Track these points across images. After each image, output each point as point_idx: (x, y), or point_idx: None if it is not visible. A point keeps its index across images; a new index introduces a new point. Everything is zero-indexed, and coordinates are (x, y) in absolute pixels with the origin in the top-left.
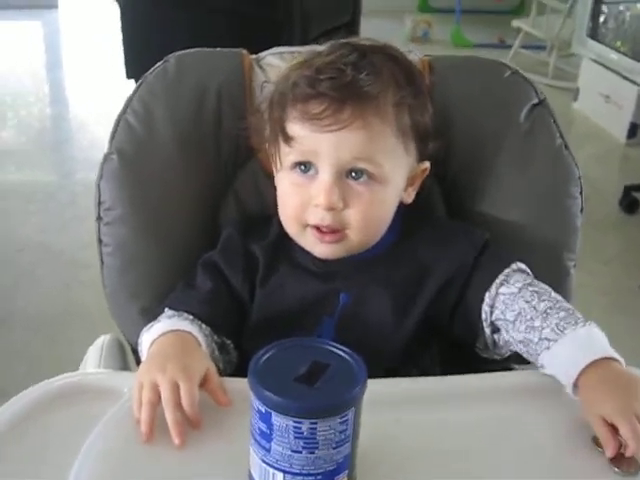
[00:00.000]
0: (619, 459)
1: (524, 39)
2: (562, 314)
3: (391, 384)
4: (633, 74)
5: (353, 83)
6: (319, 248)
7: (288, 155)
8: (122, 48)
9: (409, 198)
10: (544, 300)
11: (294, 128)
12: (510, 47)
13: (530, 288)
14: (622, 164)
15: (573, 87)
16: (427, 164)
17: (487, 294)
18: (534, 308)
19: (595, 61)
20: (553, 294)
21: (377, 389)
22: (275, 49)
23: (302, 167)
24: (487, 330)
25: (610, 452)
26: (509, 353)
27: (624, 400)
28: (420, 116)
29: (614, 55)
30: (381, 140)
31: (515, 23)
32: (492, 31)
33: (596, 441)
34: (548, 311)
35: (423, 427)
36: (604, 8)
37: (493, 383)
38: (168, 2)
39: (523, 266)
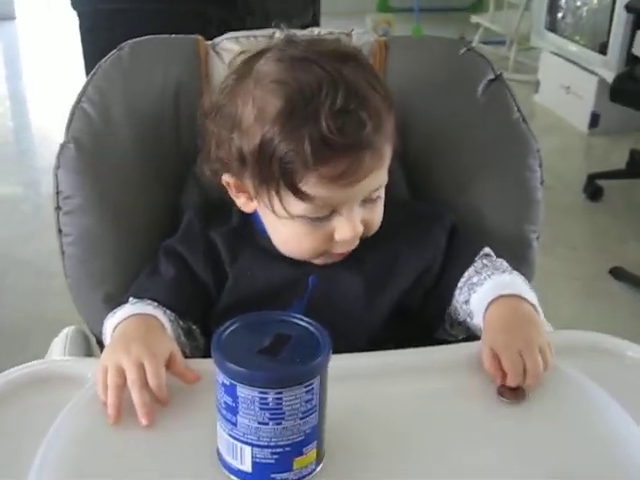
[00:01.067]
0: (506, 389)
1: (484, 35)
2: (496, 271)
3: (360, 358)
4: (592, 65)
5: (364, 135)
6: (330, 261)
7: (302, 209)
8: (82, 57)
9: None
10: (486, 265)
11: (315, 189)
12: (470, 43)
13: (484, 261)
14: (585, 153)
15: (534, 80)
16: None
17: (461, 280)
18: (477, 272)
19: (554, 53)
20: (501, 263)
21: (346, 364)
22: (231, 34)
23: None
24: (450, 313)
25: (499, 382)
26: (461, 334)
27: (513, 335)
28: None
29: (573, 47)
30: (387, 161)
31: (474, 19)
32: (452, 28)
33: (500, 392)
34: (487, 271)
35: (392, 399)
36: (562, 2)
37: (454, 354)
38: (127, 8)
39: (488, 250)
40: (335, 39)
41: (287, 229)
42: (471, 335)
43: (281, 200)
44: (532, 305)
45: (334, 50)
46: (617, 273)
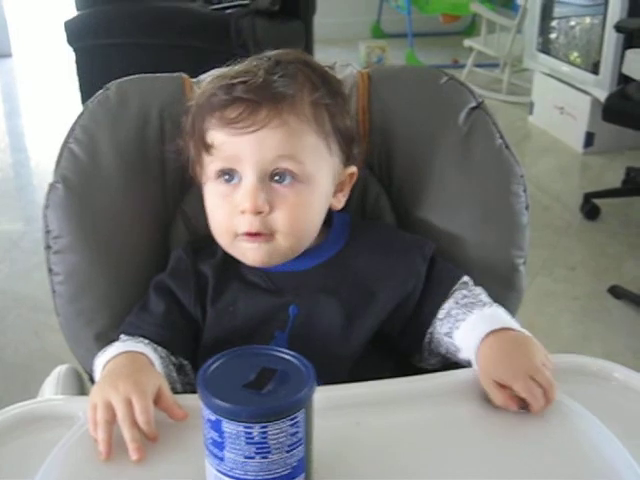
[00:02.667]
0: (518, 400)
1: (477, 58)
2: (477, 303)
3: (350, 388)
4: (585, 85)
5: (267, 85)
6: (251, 255)
7: (210, 165)
8: (79, 92)
9: (339, 204)
10: (466, 296)
11: (214, 136)
12: (464, 67)
13: (464, 292)
14: (581, 173)
15: (527, 101)
16: (354, 168)
17: (440, 312)
18: (457, 303)
19: (547, 74)
20: (480, 295)
21: (336, 394)
22: (214, 71)
23: (226, 176)
24: (427, 340)
25: (515, 408)
26: (438, 364)
27: (516, 361)
28: (340, 117)
29: (565, 67)
30: (301, 137)
31: (467, 43)
32: (445, 52)
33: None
34: (468, 304)
35: (383, 430)
36: (554, 23)
37: (442, 382)
38: (122, 43)
39: (466, 278)
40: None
41: (208, 198)
42: (448, 364)
43: (201, 161)
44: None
45: (290, 53)
46: (616, 292)
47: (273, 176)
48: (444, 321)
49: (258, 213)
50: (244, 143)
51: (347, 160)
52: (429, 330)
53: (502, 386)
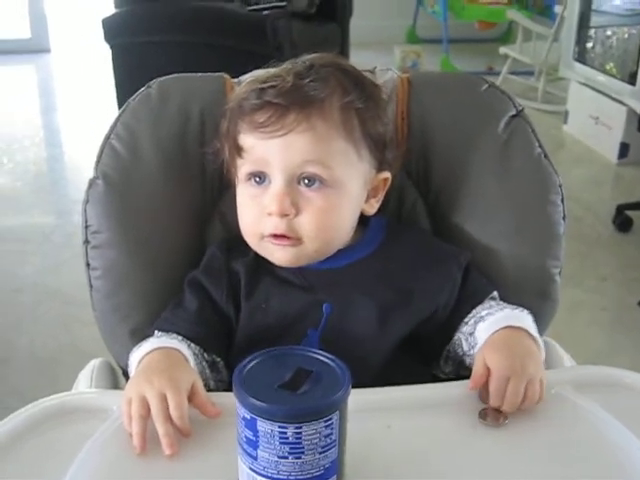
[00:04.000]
0: (487, 412)
1: (512, 65)
2: (508, 306)
3: (382, 392)
4: (621, 95)
5: (296, 89)
6: (278, 255)
7: (241, 167)
8: (115, 88)
9: (371, 209)
10: (498, 304)
11: (244, 139)
12: (499, 74)
13: (492, 302)
14: (614, 184)
15: (562, 110)
16: (387, 174)
17: (468, 316)
18: (486, 308)
19: (583, 84)
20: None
21: (368, 397)
22: (255, 72)
23: (257, 178)
24: (448, 347)
25: (470, 384)
26: (452, 374)
27: (508, 359)
28: (372, 122)
29: (601, 77)
30: (329, 142)
31: (502, 50)
32: (480, 59)
33: (482, 415)
34: (497, 306)
35: (414, 433)
36: (591, 33)
37: None
38: (159, 41)
39: (496, 294)
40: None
41: (239, 198)
42: (461, 376)
43: (235, 164)
44: (536, 342)
45: (325, 57)
46: None
47: (301, 180)
48: (469, 322)
49: (284, 216)
50: (272, 147)
51: (380, 165)
52: (454, 337)
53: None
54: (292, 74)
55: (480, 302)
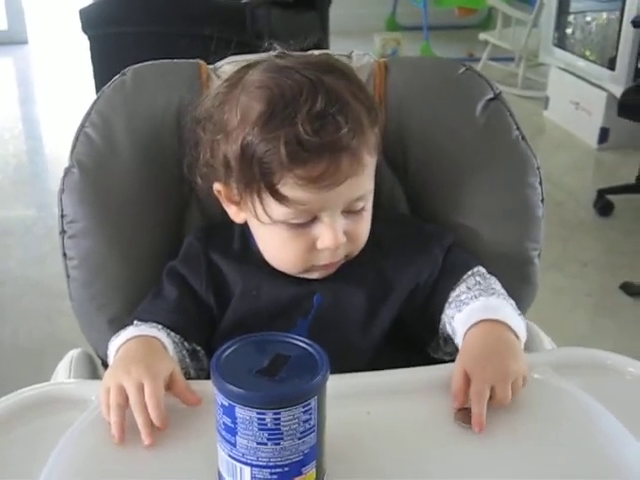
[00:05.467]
0: (465, 413)
1: (492, 51)
2: (487, 290)
3: (361, 377)
4: (601, 80)
5: (335, 130)
6: (319, 274)
7: (283, 214)
8: (93, 79)
9: None
10: (479, 283)
11: (294, 192)
12: (479, 60)
13: (477, 278)
14: (595, 169)
15: (543, 96)
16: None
17: (451, 295)
18: (468, 288)
19: (563, 69)
20: (494, 284)
21: (347, 383)
22: (231, 58)
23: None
24: (442, 325)
25: (456, 404)
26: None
27: (488, 364)
28: (382, 125)
29: (581, 62)
30: (369, 171)
31: (482, 36)
32: (460, 45)
33: (458, 417)
34: (477, 290)
35: (394, 419)
36: (571, 18)
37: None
38: (137, 32)
39: (482, 270)
40: (325, 54)
41: (271, 236)
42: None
43: (262, 204)
44: (515, 333)
45: (320, 61)
46: (628, 288)
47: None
48: (452, 305)
49: (339, 247)
50: (330, 195)
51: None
52: (442, 315)
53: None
54: (329, 117)
55: (460, 277)
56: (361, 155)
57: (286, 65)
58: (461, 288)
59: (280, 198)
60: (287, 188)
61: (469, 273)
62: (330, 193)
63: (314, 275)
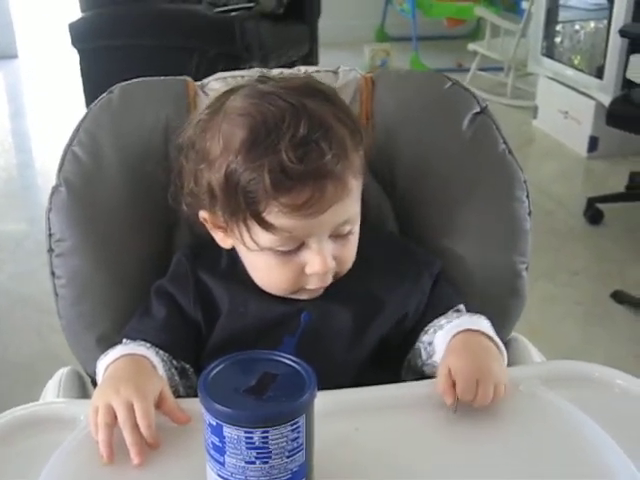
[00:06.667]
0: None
1: (481, 62)
2: (465, 314)
3: (349, 393)
4: (589, 89)
5: (319, 156)
6: (309, 295)
7: (266, 239)
8: (83, 93)
9: None
10: (459, 316)
11: (279, 219)
12: (468, 70)
13: (455, 314)
14: (584, 177)
15: (532, 105)
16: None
17: (429, 325)
18: (446, 317)
19: (551, 78)
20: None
21: (335, 399)
22: (219, 74)
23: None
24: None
25: (449, 401)
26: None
27: (473, 362)
28: (365, 140)
29: (570, 71)
30: (355, 194)
31: (471, 47)
32: (450, 56)
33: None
34: (454, 317)
35: (381, 435)
36: (559, 27)
37: None
38: (127, 45)
39: (462, 307)
40: (307, 76)
41: (259, 262)
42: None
43: (249, 231)
44: (496, 343)
45: (302, 85)
46: (619, 297)
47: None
48: (429, 331)
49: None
50: (315, 222)
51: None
52: (415, 346)
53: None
54: (312, 143)
55: (444, 312)
56: (346, 180)
57: (268, 91)
58: (439, 319)
59: (266, 226)
60: (272, 216)
61: (450, 311)
62: (316, 220)
63: (303, 296)
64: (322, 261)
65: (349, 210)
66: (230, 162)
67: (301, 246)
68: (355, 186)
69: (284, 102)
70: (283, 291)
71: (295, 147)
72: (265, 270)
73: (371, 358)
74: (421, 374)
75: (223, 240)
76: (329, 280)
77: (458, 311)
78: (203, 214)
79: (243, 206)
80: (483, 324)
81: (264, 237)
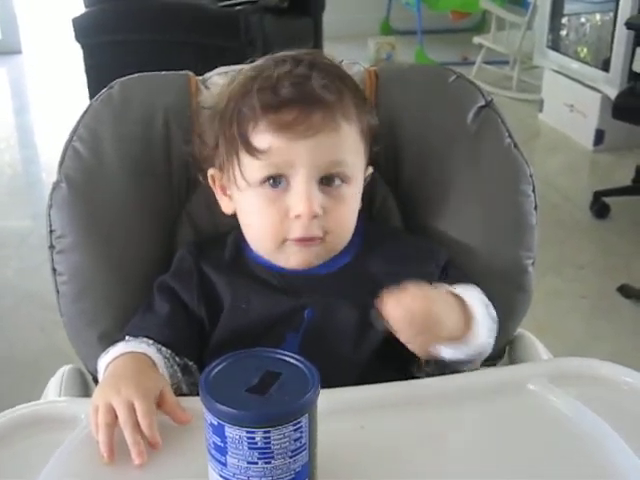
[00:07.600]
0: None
1: (486, 55)
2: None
3: (354, 391)
4: (595, 82)
5: (315, 88)
6: (296, 258)
7: (256, 170)
8: (87, 88)
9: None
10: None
11: (262, 140)
12: (473, 63)
13: None
14: (591, 171)
15: (537, 98)
16: (371, 169)
17: None
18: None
19: (557, 72)
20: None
21: (340, 397)
22: (220, 69)
23: (272, 181)
24: None
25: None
26: (437, 373)
27: (424, 301)
28: (370, 115)
29: (575, 64)
30: (349, 140)
31: (476, 40)
32: (455, 49)
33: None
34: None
35: (387, 433)
36: (564, 20)
37: (450, 385)
38: (130, 40)
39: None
40: (315, 51)
41: (249, 205)
42: (446, 373)
43: (240, 165)
44: (468, 314)
45: (311, 58)
46: (625, 291)
47: (322, 179)
48: None
49: (314, 217)
50: (300, 148)
51: (368, 160)
52: None
53: None
54: (304, 76)
55: None
56: (335, 112)
57: (279, 56)
58: None
59: (253, 150)
60: (259, 137)
61: None
62: (300, 145)
63: (290, 260)
64: (305, 200)
65: (337, 152)
66: (230, 94)
67: (287, 188)
68: (347, 131)
69: (292, 58)
70: (270, 239)
71: (289, 76)
72: (254, 215)
73: (376, 355)
74: (442, 363)
75: (227, 206)
76: (314, 231)
77: None
78: (212, 172)
79: (235, 129)
80: (470, 293)
81: (252, 168)
